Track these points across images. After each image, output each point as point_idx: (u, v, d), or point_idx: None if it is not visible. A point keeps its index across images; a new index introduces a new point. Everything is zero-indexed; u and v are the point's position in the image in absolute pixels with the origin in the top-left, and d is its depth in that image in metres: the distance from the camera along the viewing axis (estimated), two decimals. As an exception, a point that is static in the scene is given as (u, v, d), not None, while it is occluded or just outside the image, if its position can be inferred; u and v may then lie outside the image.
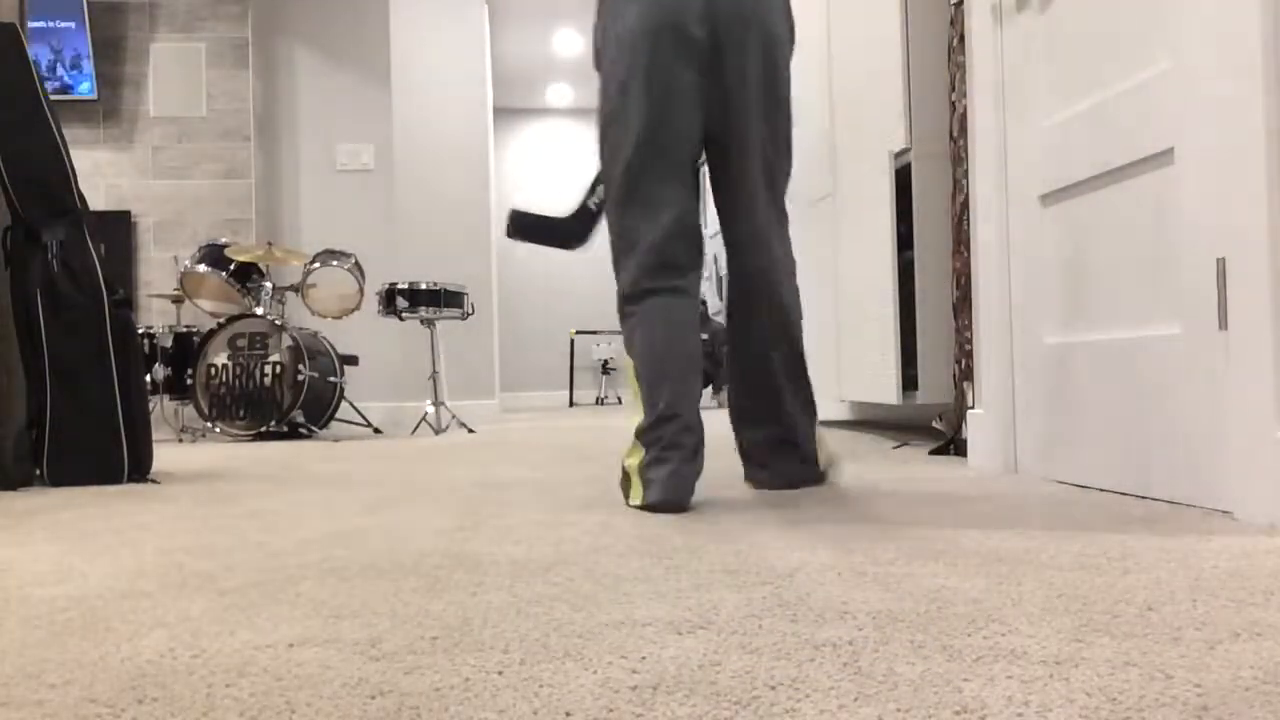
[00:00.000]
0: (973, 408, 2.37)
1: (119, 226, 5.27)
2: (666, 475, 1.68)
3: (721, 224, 1.92)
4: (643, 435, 1.75)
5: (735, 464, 2.48)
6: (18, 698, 0.75)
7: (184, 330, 4.49)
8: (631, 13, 1.78)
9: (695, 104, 1.79)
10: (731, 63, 1.78)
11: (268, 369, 4.27)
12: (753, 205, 1.86)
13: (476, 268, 5.64)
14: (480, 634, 0.90)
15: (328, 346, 4.57)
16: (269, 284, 4.53)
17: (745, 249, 1.89)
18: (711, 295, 6.78)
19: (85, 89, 5.30)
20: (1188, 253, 1.56)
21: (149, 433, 2.54)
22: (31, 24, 4.89)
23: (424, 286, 4.49)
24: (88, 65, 5.29)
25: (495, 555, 1.31)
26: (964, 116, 2.38)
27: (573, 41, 7.35)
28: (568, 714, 0.68)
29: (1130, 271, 1.74)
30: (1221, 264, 1.46)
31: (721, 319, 7.59)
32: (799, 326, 1.92)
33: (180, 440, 4.28)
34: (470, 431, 4.64)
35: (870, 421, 4.18)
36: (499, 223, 7.75)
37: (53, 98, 2.57)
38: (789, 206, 1.96)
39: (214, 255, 4.49)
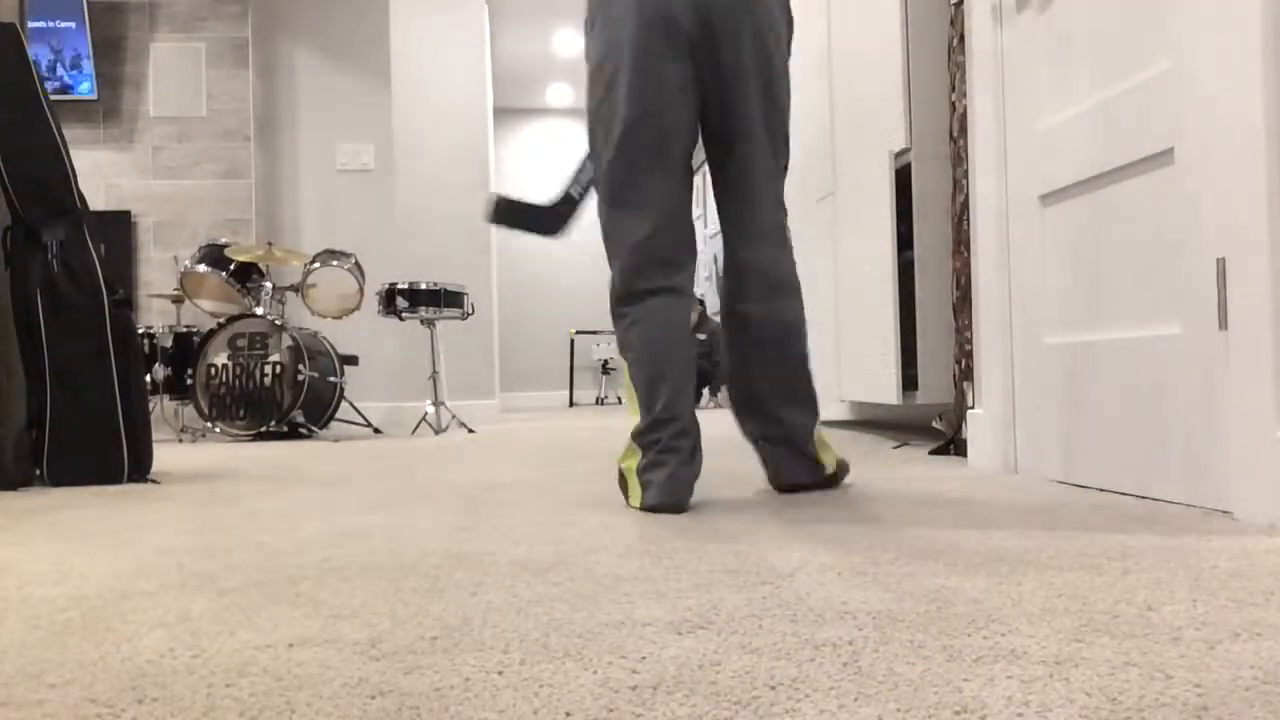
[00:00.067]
0: (973, 408, 2.37)
1: (119, 226, 5.26)
2: (664, 478, 1.68)
3: (720, 216, 1.89)
4: (639, 438, 1.74)
5: (735, 464, 2.48)
6: (18, 698, 0.75)
7: (184, 330, 4.49)
8: (620, 3, 1.75)
9: (687, 95, 1.76)
10: (725, 51, 1.75)
11: (268, 369, 4.27)
12: (752, 196, 1.83)
13: (476, 268, 5.63)
14: (480, 634, 0.90)
15: (328, 346, 4.57)
16: (269, 284, 4.53)
17: (745, 242, 1.85)
18: (711, 294, 6.78)
19: (85, 89, 5.30)
20: (1188, 253, 1.56)
21: (149, 433, 2.54)
22: (31, 24, 4.89)
23: (424, 286, 4.49)
24: (88, 65, 5.29)
25: (495, 555, 1.31)
26: (964, 116, 2.38)
27: (573, 41, 7.35)
28: (568, 714, 0.68)
29: (1130, 271, 1.74)
30: (1221, 264, 1.46)
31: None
32: (801, 320, 1.87)
33: (180, 440, 4.28)
34: (470, 431, 4.64)
35: (870, 421, 4.18)
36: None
37: (53, 98, 2.57)
38: (789, 207, 1.95)
39: (214, 255, 4.49)
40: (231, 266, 4.48)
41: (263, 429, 4.23)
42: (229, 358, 4.29)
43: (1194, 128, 1.54)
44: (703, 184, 6.88)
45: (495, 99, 7.95)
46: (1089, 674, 0.74)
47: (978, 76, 2.25)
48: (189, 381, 4.27)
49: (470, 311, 4.72)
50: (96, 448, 2.43)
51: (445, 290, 4.53)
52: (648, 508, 1.68)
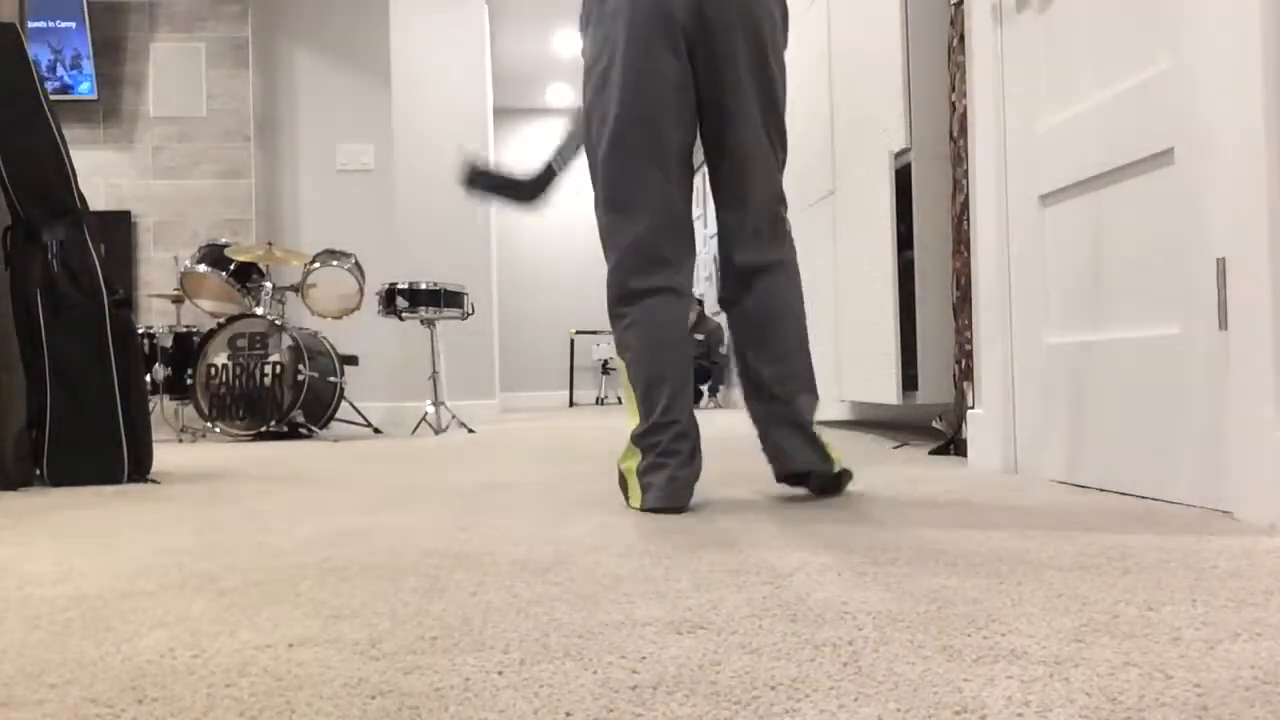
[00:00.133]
0: (973, 408, 2.37)
1: (119, 226, 5.27)
2: (664, 481, 1.67)
3: (718, 209, 1.86)
4: (638, 440, 1.74)
5: (734, 464, 2.48)
6: (18, 698, 0.75)
7: (184, 330, 4.49)
8: None
9: (682, 92, 1.74)
10: (722, 44, 1.72)
11: (268, 369, 4.27)
12: (749, 191, 1.80)
13: (476, 268, 5.64)
14: (480, 634, 0.90)
15: (328, 346, 4.57)
16: (269, 284, 4.53)
17: (743, 235, 1.82)
18: (710, 294, 6.78)
19: (85, 89, 5.30)
20: (1188, 253, 1.56)
21: (149, 433, 2.54)
22: (31, 24, 4.89)
23: (424, 286, 4.49)
24: (88, 65, 5.29)
25: (495, 555, 1.30)
26: (964, 116, 2.38)
27: (572, 41, 7.35)
28: (568, 714, 0.68)
29: (1130, 271, 1.74)
30: (1221, 264, 1.46)
31: (720, 318, 7.61)
32: (797, 302, 1.83)
33: (180, 440, 4.28)
34: (470, 431, 4.64)
35: (870, 421, 4.18)
36: (499, 223, 7.75)
37: (53, 98, 2.57)
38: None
39: (214, 255, 4.49)
40: (231, 266, 4.49)
41: (263, 429, 4.23)
42: (229, 358, 4.29)
43: (1194, 128, 1.54)
44: (702, 185, 6.88)
45: (495, 99, 7.96)
46: (1089, 674, 0.74)
47: (978, 76, 2.25)
48: (189, 381, 4.27)
49: (470, 311, 4.72)
50: (96, 448, 2.43)
51: (445, 290, 4.53)
52: (648, 509, 1.67)
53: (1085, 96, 1.86)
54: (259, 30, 5.48)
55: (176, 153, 5.40)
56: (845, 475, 1.82)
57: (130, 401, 2.47)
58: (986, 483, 1.99)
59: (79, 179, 2.54)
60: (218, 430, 4.25)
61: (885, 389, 3.09)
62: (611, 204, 1.79)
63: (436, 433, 4.50)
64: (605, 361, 8.98)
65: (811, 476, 1.80)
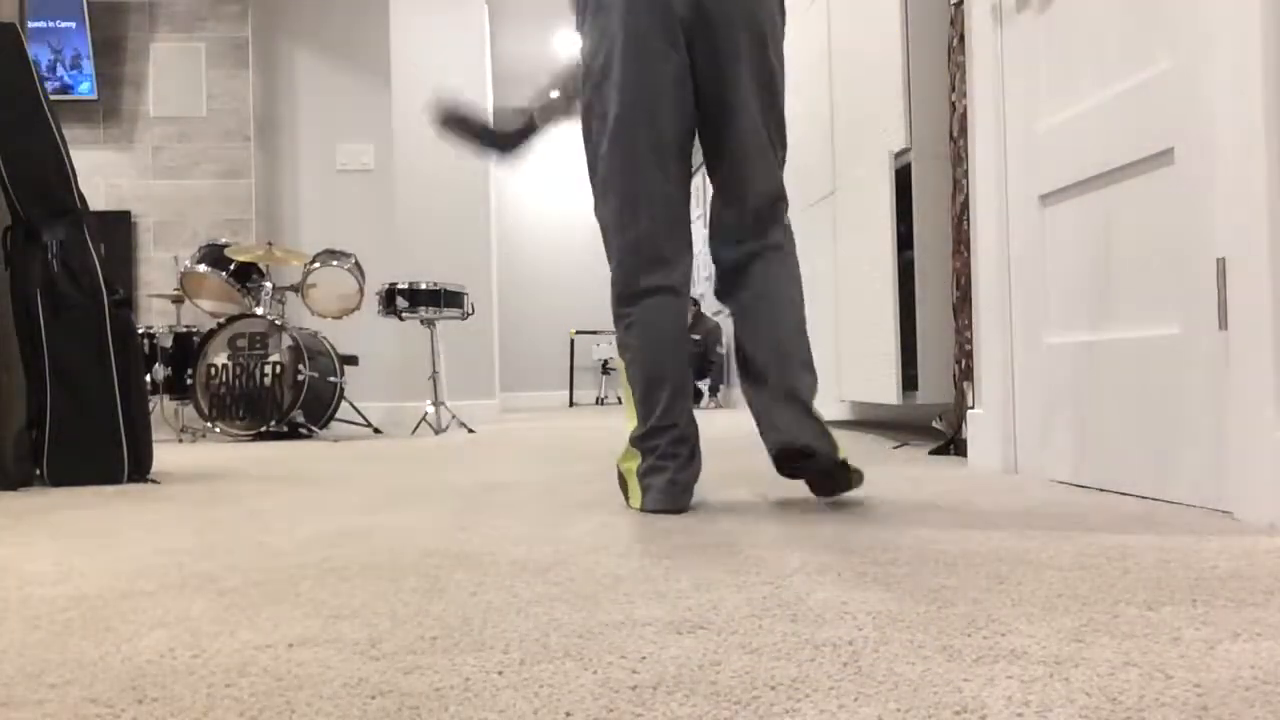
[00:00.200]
0: (973, 408, 2.37)
1: (119, 226, 5.27)
2: (664, 483, 1.67)
3: (718, 206, 1.84)
4: (637, 443, 1.73)
5: (734, 465, 2.48)
6: (18, 698, 0.75)
7: (184, 330, 4.49)
8: None
9: (681, 86, 1.72)
10: (722, 38, 1.70)
11: (268, 369, 4.27)
12: (748, 187, 1.78)
13: (476, 268, 5.64)
14: (480, 634, 0.90)
15: (328, 346, 4.57)
16: (269, 284, 4.53)
17: (742, 229, 1.80)
18: (710, 294, 6.78)
19: (85, 89, 5.30)
20: (1188, 253, 1.56)
21: (149, 433, 2.54)
22: (31, 24, 4.89)
23: (424, 286, 4.49)
24: (88, 65, 5.29)
25: (495, 555, 1.30)
26: (964, 116, 2.38)
27: (573, 41, 7.35)
28: (568, 714, 0.68)
29: (1130, 271, 1.74)
30: (1221, 264, 1.46)
31: (718, 317, 7.60)
32: (795, 288, 1.80)
33: (180, 440, 4.28)
34: (470, 431, 4.64)
35: (870, 421, 4.18)
36: (499, 223, 7.75)
37: (53, 98, 2.57)
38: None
39: (214, 255, 4.50)
40: (231, 266, 4.49)
41: (263, 429, 4.23)
42: (229, 358, 4.29)
43: (1194, 128, 1.54)
44: (702, 185, 6.88)
45: (495, 99, 7.95)
46: (1089, 674, 0.74)
47: (978, 76, 2.25)
48: (189, 381, 4.27)
49: (470, 311, 4.72)
50: (96, 448, 2.43)
51: (445, 290, 4.53)
52: (648, 510, 1.67)
53: (1085, 96, 1.86)
54: (259, 30, 5.48)
55: (176, 153, 5.40)
56: (855, 473, 1.70)
57: (130, 401, 2.47)
58: (986, 483, 1.99)
59: (79, 179, 2.54)
60: (218, 430, 4.25)
61: (885, 389, 3.09)
62: (611, 200, 1.78)
63: (436, 433, 4.50)
64: (605, 361, 8.99)
65: (812, 461, 1.67)
